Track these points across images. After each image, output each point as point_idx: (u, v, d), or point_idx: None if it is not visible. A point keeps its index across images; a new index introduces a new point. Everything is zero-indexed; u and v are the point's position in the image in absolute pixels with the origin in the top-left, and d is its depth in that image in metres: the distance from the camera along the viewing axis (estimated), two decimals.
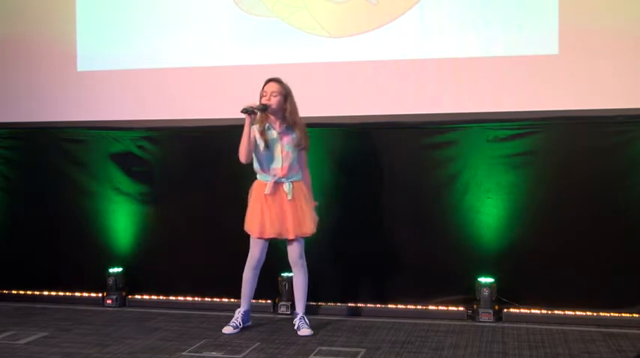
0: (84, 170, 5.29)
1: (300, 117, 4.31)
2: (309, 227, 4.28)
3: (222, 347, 4.01)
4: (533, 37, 4.56)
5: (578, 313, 4.50)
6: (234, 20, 5.01)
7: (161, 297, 5.14)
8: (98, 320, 4.70)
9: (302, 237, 4.30)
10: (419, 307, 4.73)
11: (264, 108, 4.21)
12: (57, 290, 5.28)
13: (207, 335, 4.29)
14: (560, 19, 4.51)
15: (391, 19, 4.77)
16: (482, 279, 4.59)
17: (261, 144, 4.23)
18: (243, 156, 4.23)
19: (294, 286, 4.42)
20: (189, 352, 3.94)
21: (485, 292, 4.55)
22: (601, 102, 4.48)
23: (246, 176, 4.38)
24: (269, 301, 4.88)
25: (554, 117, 4.55)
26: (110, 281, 5.14)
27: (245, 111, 4.14)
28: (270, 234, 4.25)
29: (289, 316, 4.52)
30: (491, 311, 4.53)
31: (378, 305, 4.80)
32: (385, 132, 4.82)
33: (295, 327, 4.30)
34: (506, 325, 4.47)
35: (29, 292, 5.34)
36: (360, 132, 4.86)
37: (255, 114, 4.19)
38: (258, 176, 4.32)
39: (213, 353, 3.91)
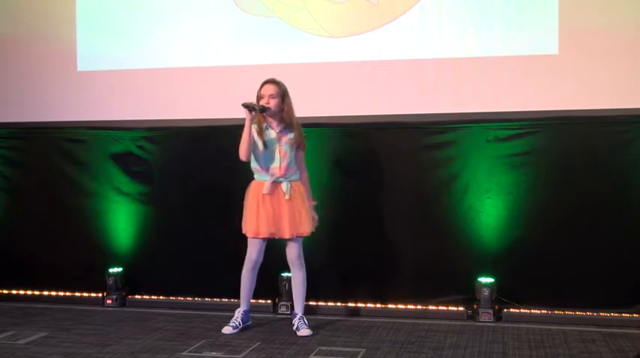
0: (84, 170, 5.29)
1: (296, 117, 4.31)
2: (306, 227, 4.28)
3: (222, 347, 4.01)
4: (533, 37, 4.56)
5: (578, 313, 4.50)
6: (234, 20, 5.00)
7: (161, 297, 5.14)
8: (98, 320, 4.70)
9: (299, 237, 4.30)
10: (419, 307, 4.73)
11: (262, 109, 4.21)
12: (57, 290, 5.28)
13: (207, 335, 4.29)
14: (560, 19, 4.51)
15: (391, 19, 4.77)
16: (483, 279, 4.59)
17: (260, 144, 4.24)
18: (243, 154, 4.22)
19: (293, 286, 4.42)
20: (189, 352, 3.94)
21: (485, 292, 4.55)
22: (601, 103, 4.48)
23: (245, 176, 4.37)
24: (269, 301, 4.87)
25: (554, 117, 4.55)
26: (110, 281, 5.13)
27: (246, 105, 4.13)
28: (265, 233, 4.24)
29: (289, 316, 4.52)
30: (491, 311, 4.53)
31: (378, 305, 4.80)
32: (385, 132, 4.82)
33: (294, 327, 4.29)
34: (506, 325, 4.47)
35: (29, 292, 5.33)
36: (360, 132, 4.86)
37: (256, 111, 4.19)
38: (255, 175, 4.32)
39: (213, 353, 3.91)
